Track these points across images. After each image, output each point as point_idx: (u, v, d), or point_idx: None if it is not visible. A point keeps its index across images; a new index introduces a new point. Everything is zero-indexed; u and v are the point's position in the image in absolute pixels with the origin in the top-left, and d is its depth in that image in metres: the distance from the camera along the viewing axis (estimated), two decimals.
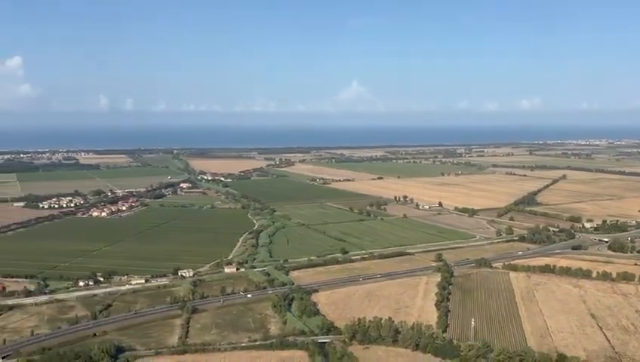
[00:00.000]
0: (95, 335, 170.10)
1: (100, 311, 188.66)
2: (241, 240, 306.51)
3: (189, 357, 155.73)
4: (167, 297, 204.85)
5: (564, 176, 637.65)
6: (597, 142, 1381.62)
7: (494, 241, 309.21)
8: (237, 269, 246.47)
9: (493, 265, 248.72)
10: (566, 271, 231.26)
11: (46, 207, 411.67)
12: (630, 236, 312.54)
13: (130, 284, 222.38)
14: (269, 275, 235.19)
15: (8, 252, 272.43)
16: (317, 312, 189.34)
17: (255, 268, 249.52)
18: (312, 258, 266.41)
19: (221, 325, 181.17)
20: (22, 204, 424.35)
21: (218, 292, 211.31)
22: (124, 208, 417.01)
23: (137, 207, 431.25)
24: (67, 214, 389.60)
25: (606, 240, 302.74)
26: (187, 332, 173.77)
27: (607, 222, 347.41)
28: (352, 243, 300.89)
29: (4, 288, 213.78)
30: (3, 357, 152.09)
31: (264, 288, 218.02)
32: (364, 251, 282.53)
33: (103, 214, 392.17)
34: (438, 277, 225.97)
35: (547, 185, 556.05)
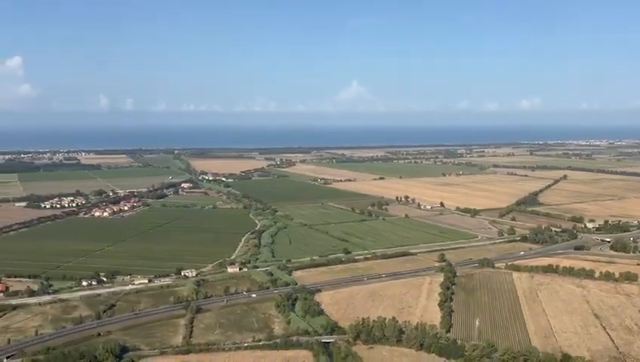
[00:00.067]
0: (99, 334, 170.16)
1: (104, 311, 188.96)
2: (243, 240, 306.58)
3: (194, 357, 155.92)
4: (171, 297, 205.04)
5: (565, 177, 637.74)
6: (597, 143, 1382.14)
7: (497, 241, 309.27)
8: (240, 269, 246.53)
9: (496, 265, 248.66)
10: (569, 271, 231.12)
11: (48, 207, 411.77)
12: (633, 236, 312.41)
13: (134, 284, 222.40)
14: (272, 275, 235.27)
15: (11, 252, 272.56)
16: (321, 312, 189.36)
17: (258, 268, 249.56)
18: (314, 258, 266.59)
19: (225, 325, 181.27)
20: (24, 204, 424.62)
21: (221, 292, 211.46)
22: (126, 208, 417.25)
23: (139, 207, 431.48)
24: (69, 214, 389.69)
25: (608, 240, 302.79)
26: (191, 332, 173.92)
27: (610, 222, 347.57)
28: (355, 243, 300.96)
29: (7, 288, 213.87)
30: (7, 357, 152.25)
31: (267, 288, 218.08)
32: (366, 251, 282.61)
33: (105, 214, 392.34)
34: (441, 277, 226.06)
35: (548, 186, 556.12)
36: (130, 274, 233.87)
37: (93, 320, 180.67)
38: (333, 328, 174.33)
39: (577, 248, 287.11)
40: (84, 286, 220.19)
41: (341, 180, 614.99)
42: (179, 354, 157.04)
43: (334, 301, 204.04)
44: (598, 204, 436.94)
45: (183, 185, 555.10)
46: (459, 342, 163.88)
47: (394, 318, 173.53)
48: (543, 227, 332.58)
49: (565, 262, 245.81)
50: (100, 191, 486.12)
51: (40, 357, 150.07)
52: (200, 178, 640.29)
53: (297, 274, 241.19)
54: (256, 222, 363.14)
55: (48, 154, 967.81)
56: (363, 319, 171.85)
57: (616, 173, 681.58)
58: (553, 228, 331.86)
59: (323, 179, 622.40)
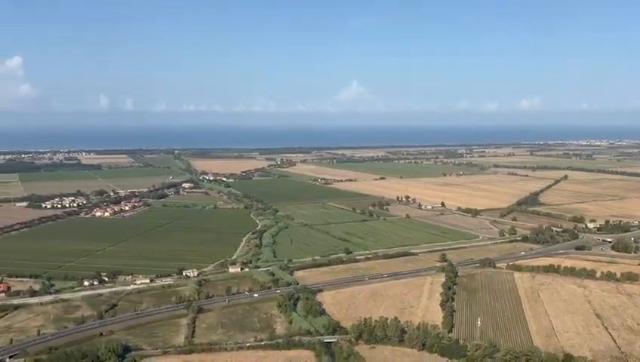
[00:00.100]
0: (101, 334, 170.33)
1: (106, 311, 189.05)
2: (244, 240, 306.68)
3: (196, 357, 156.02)
4: (173, 297, 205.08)
5: (565, 177, 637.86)
6: (598, 143, 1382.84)
7: (498, 241, 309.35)
8: (241, 269, 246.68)
9: (497, 265, 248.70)
10: (570, 272, 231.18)
11: (49, 206, 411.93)
12: (634, 236, 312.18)
13: (135, 284, 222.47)
14: (273, 275, 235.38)
15: (12, 252, 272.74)
16: (322, 312, 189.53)
17: (259, 268, 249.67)
18: (316, 258, 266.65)
19: (227, 325, 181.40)
20: (25, 203, 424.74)
21: (223, 292, 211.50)
22: (127, 208, 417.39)
23: (140, 207, 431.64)
24: (70, 214, 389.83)
25: (609, 240, 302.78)
26: (193, 331, 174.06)
27: (610, 222, 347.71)
28: (356, 243, 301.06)
29: (9, 288, 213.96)
30: (10, 357, 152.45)
31: (269, 288, 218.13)
32: (367, 251, 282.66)
33: (106, 214, 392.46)
34: (442, 278, 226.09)
35: (549, 186, 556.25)
36: (131, 274, 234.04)
37: (96, 320, 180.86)
38: (335, 328, 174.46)
39: (578, 248, 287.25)
40: (85, 286, 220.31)
41: (342, 180, 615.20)
42: (181, 353, 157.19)
43: (336, 301, 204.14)
44: (598, 204, 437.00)
45: (183, 185, 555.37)
46: (461, 342, 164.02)
47: (396, 318, 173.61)
48: (544, 227, 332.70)
49: (566, 262, 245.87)
50: (100, 191, 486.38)
51: (43, 356, 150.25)
52: (200, 178, 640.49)
53: (299, 274, 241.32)
54: (257, 222, 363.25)
55: (49, 154, 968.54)
56: (365, 319, 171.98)
57: (616, 173, 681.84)
58: (554, 228, 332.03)
59: (323, 179, 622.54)
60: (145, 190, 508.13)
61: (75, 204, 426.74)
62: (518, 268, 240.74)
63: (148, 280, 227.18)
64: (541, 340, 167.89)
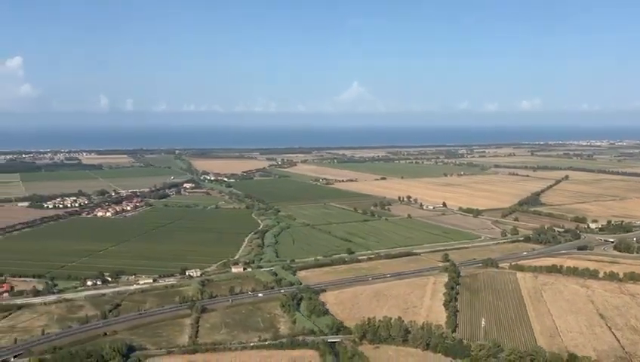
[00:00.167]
0: (105, 334, 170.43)
1: (110, 311, 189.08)
2: (246, 240, 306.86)
3: (200, 357, 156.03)
4: (176, 297, 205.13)
5: (566, 177, 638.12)
6: (598, 143, 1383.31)
7: (500, 242, 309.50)
8: (244, 269, 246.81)
9: (500, 265, 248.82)
10: (573, 272, 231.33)
11: (50, 206, 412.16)
12: (635, 236, 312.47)
13: (138, 284, 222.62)
14: (276, 275, 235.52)
15: (15, 251, 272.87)
16: (326, 312, 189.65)
17: (262, 268, 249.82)
18: (318, 258, 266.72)
19: (231, 324, 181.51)
20: (26, 203, 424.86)
21: (226, 291, 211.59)
22: (128, 208, 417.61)
23: (142, 207, 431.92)
24: (72, 214, 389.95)
25: (611, 240, 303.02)
26: (197, 331, 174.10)
27: (612, 222, 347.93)
28: (358, 243, 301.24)
29: (12, 287, 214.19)
30: (15, 356, 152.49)
31: (272, 288, 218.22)
32: (370, 251, 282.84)
33: (108, 214, 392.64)
34: (445, 277, 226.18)
35: (550, 186, 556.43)
36: (134, 274, 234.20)
37: (99, 320, 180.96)
38: (339, 328, 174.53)
39: (581, 248, 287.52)
40: (88, 285, 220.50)
41: (343, 180, 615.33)
42: (185, 353, 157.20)
43: (339, 301, 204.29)
44: (599, 205, 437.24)
45: (185, 185, 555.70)
46: (465, 342, 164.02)
47: (400, 318, 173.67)
48: (545, 227, 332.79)
49: (569, 262, 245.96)
50: (102, 191, 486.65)
51: (47, 356, 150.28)
52: (202, 178, 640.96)
53: (301, 274, 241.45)
54: (259, 222, 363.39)
55: (49, 154, 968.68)
56: (369, 319, 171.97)
57: (617, 173, 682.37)
58: (556, 229, 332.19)
59: (325, 179, 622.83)
60: (146, 190, 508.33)
61: (76, 204, 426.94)
62: (521, 268, 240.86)
63: (151, 280, 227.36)
64: (545, 340, 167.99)
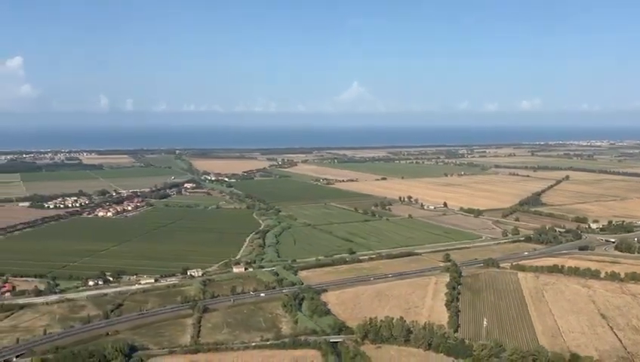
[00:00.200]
0: (108, 334, 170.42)
1: (112, 311, 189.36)
2: (247, 240, 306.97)
3: (202, 356, 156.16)
4: (178, 296, 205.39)
5: (567, 177, 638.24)
6: (598, 143, 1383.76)
7: (501, 242, 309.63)
8: (245, 269, 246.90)
9: (501, 265, 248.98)
10: (574, 272, 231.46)
11: (51, 206, 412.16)
12: (637, 236, 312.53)
13: (140, 284, 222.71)
14: (277, 275, 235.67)
15: (16, 251, 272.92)
16: (327, 312, 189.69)
17: (263, 267, 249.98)
18: (319, 258, 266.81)
19: (232, 324, 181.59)
20: (27, 203, 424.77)
21: (228, 291, 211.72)
22: (129, 208, 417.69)
23: (143, 207, 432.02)
24: (73, 214, 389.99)
25: (613, 240, 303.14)
26: (199, 331, 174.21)
27: (613, 222, 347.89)
28: (359, 243, 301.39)
29: (14, 287, 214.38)
30: (17, 356, 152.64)
31: (273, 288, 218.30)
32: (371, 251, 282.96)
33: (109, 214, 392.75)
34: (446, 278, 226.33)
35: (551, 186, 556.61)
36: (136, 274, 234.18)
37: (101, 320, 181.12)
38: (341, 328, 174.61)
39: (582, 248, 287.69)
40: (90, 285, 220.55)
41: (343, 180, 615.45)
42: (187, 353, 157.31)
43: (341, 301, 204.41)
44: (600, 205, 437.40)
45: (185, 185, 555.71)
46: (467, 341, 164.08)
47: (401, 318, 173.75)
48: (546, 227, 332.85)
49: (570, 263, 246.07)
50: (103, 191, 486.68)
51: (49, 356, 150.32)
52: (202, 178, 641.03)
53: (303, 274, 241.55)
54: (260, 222, 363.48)
55: (50, 155, 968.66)
56: (370, 319, 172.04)
57: (617, 173, 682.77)
58: (557, 229, 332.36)
59: (325, 179, 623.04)
60: (147, 190, 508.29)
61: (77, 204, 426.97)
62: (522, 268, 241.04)
63: (152, 280, 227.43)
64: (547, 340, 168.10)
